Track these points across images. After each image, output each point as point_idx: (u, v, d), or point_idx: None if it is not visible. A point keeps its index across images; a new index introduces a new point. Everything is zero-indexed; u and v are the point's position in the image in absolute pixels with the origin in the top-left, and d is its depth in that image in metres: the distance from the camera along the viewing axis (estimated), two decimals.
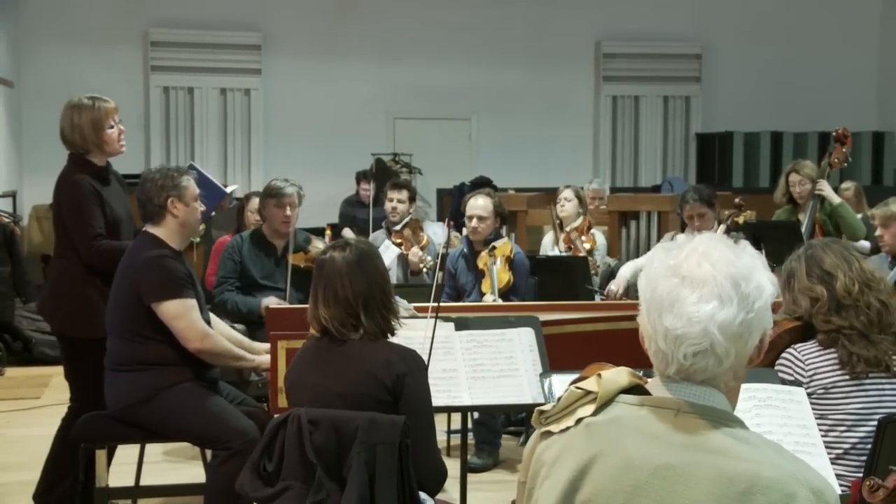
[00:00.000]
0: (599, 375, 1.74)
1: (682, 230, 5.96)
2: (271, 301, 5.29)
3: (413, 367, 2.98)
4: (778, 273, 3.30)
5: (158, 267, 3.79)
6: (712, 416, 1.66)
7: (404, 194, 6.53)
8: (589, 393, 1.72)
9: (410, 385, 2.95)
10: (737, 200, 5.73)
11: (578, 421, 1.71)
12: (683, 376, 1.67)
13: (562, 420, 1.74)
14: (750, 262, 1.68)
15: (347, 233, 9.16)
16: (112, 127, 4.19)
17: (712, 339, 1.62)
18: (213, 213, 4.27)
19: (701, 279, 1.64)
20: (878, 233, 5.15)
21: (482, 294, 5.55)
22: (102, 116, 4.17)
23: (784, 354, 3.12)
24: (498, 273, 5.47)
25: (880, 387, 3.03)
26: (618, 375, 1.74)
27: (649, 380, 1.74)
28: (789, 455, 1.67)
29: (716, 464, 1.60)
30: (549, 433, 1.75)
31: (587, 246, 6.46)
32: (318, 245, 5.59)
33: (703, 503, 1.58)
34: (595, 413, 1.71)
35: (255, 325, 5.21)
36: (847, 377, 3.02)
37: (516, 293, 5.56)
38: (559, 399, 1.75)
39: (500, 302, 5.35)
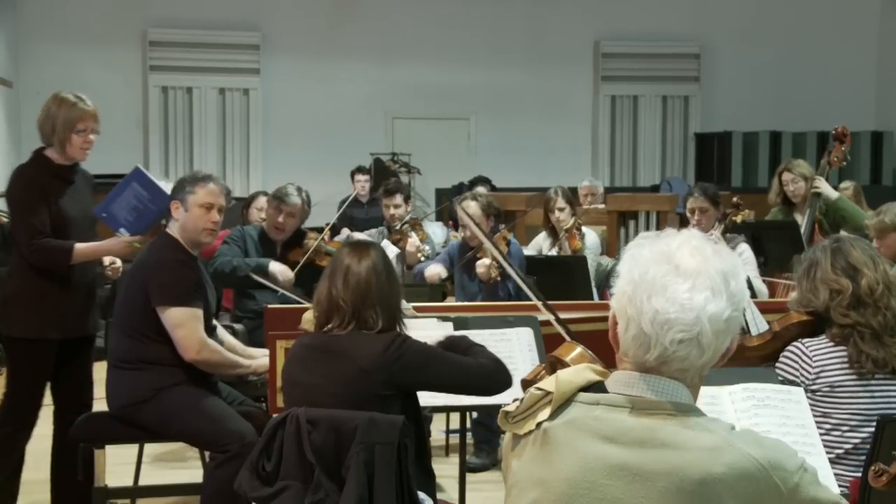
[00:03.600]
0: (558, 376, 1.73)
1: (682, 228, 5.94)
2: (279, 266, 5.34)
3: (400, 346, 3.01)
4: (796, 261, 3.32)
5: (170, 271, 3.80)
6: (668, 409, 1.64)
7: (398, 198, 6.53)
8: (548, 394, 1.71)
9: (407, 364, 2.98)
10: (735, 200, 5.70)
11: (539, 424, 1.71)
12: (661, 362, 1.65)
13: (525, 422, 1.73)
14: (737, 262, 1.70)
15: (346, 233, 9.16)
16: (81, 132, 4.11)
17: (701, 328, 1.62)
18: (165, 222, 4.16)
19: (694, 269, 1.65)
20: (874, 244, 5.11)
21: (475, 287, 5.57)
22: (77, 118, 4.10)
23: (791, 347, 3.12)
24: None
25: (886, 389, 3.04)
26: (575, 375, 1.73)
27: (614, 372, 1.73)
28: (744, 435, 1.67)
29: (669, 458, 1.60)
30: (517, 435, 1.75)
31: (575, 246, 6.40)
32: (311, 236, 5.61)
33: (661, 499, 1.59)
34: (552, 416, 1.70)
35: (254, 325, 5.21)
36: (854, 376, 3.03)
37: (511, 279, 5.56)
38: (522, 400, 1.75)
39: (495, 264, 5.38)
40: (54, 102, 4.14)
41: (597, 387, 1.72)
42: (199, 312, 3.84)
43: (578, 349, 1.81)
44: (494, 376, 3.10)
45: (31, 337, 4.06)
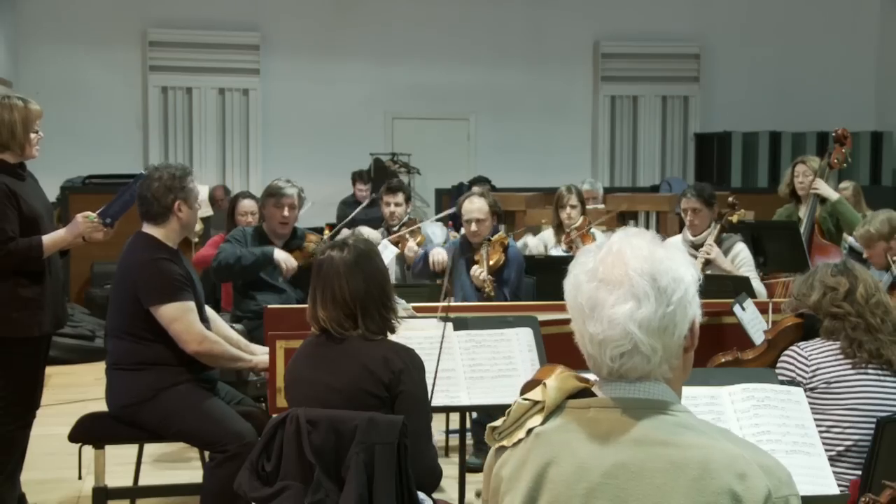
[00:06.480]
0: (544, 385, 1.74)
1: (681, 229, 5.95)
2: (282, 254, 5.37)
3: (410, 365, 2.99)
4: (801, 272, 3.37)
5: (155, 270, 3.80)
6: (657, 408, 1.66)
7: (400, 197, 6.54)
8: (537, 403, 1.73)
9: (406, 381, 2.96)
10: (730, 199, 5.69)
11: (529, 432, 1.72)
12: (617, 377, 1.67)
13: (513, 434, 1.74)
14: (664, 255, 1.68)
15: (346, 234, 9.17)
16: (37, 131, 4.21)
17: (634, 338, 1.63)
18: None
19: (617, 280, 1.65)
20: (864, 255, 5.13)
21: (474, 286, 5.57)
22: (33, 118, 4.19)
23: (787, 352, 3.15)
24: (489, 252, 5.51)
25: (882, 383, 3.04)
26: (563, 382, 1.75)
27: (595, 380, 1.74)
28: (736, 438, 1.70)
29: (665, 455, 1.61)
30: (503, 448, 1.76)
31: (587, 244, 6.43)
32: (312, 239, 5.62)
33: (658, 496, 1.59)
34: (544, 422, 1.72)
35: (254, 325, 5.22)
36: (848, 366, 3.04)
37: (507, 283, 5.55)
38: (508, 413, 1.76)
39: (490, 279, 5.39)
40: (4, 109, 4.17)
41: (584, 393, 1.74)
42: (192, 304, 3.83)
43: (559, 368, 1.84)
44: (437, 471, 3.04)
45: (33, 334, 4.11)
